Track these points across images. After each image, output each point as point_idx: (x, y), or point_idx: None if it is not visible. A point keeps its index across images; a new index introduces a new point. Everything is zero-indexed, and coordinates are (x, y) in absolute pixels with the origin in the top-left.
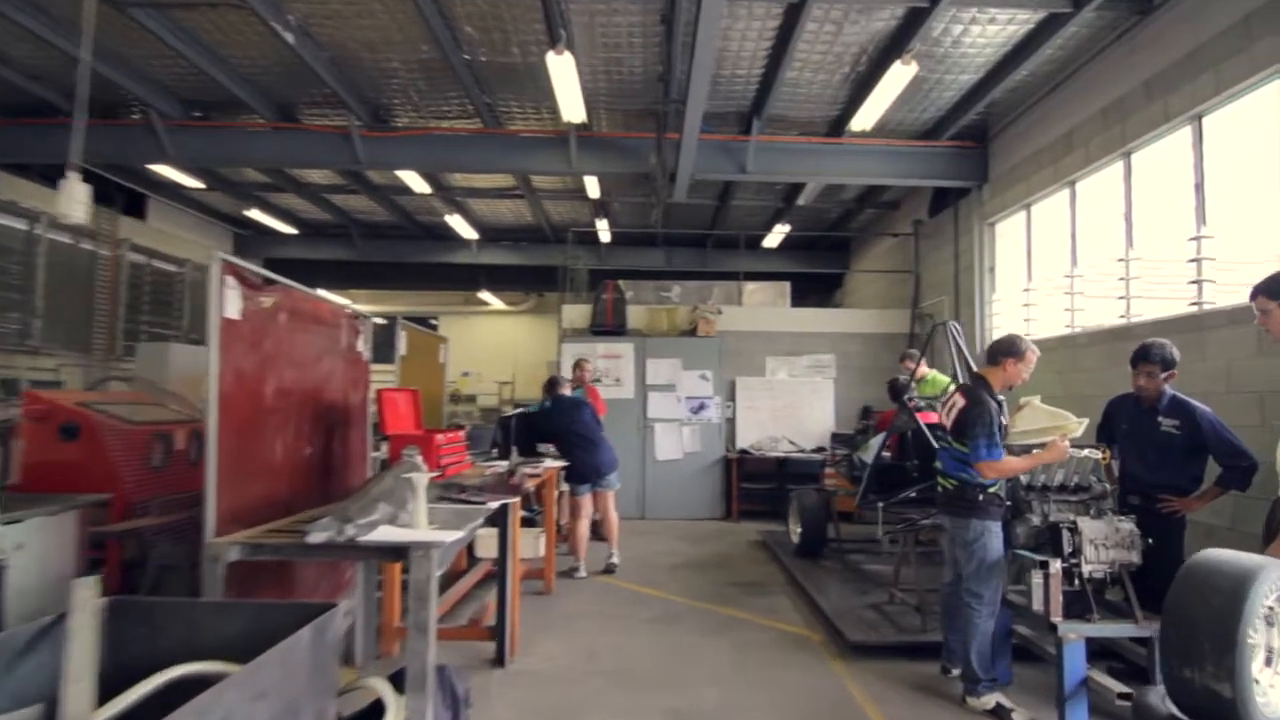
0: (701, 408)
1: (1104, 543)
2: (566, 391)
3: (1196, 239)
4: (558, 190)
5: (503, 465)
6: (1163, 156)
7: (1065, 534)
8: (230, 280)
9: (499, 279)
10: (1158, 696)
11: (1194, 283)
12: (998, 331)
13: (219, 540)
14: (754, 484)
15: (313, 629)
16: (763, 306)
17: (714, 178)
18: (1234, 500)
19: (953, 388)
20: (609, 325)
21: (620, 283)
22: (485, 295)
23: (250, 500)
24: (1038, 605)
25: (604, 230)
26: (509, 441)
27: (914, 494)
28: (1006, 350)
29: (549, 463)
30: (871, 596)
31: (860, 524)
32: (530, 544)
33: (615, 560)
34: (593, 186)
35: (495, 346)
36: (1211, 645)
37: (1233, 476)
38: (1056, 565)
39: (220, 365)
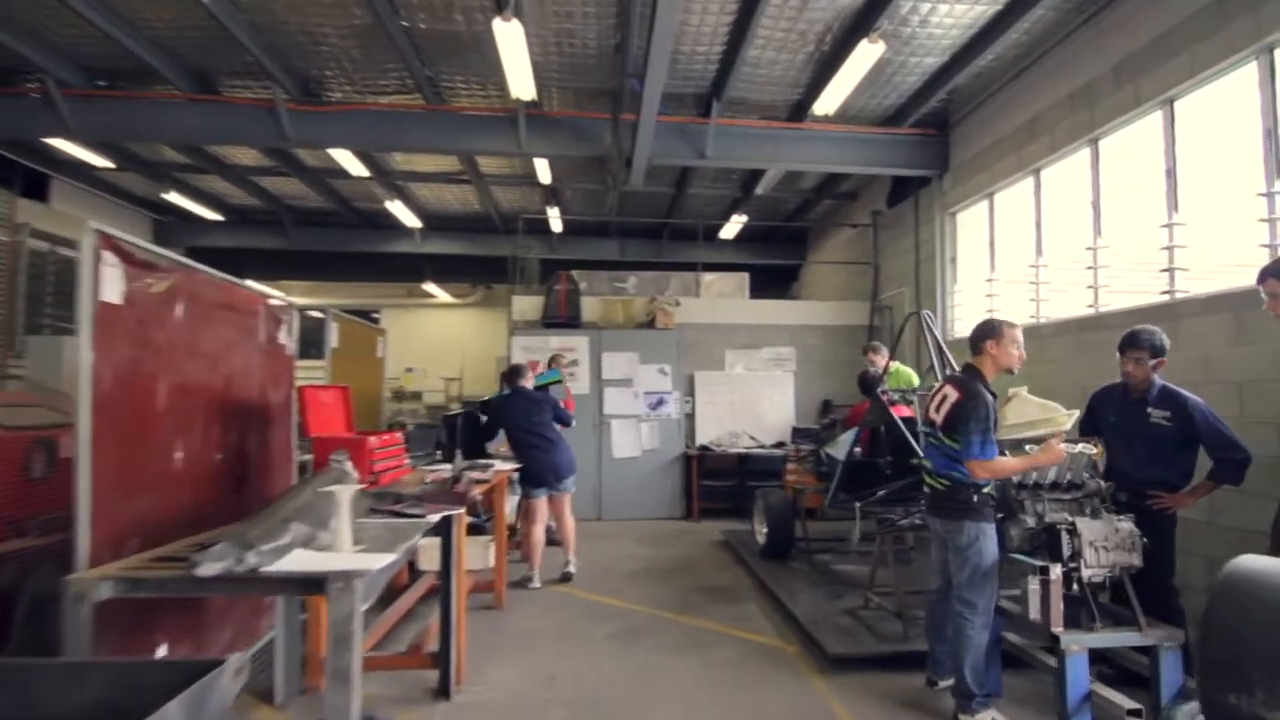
0: (660, 403)
1: (1104, 545)
2: (528, 384)
3: (1169, 226)
4: (506, 175)
5: (447, 469)
6: (1132, 142)
7: (1064, 536)
8: (109, 257)
9: (445, 270)
10: (1186, 717)
11: (1166, 271)
12: (960, 323)
13: (87, 575)
14: (715, 481)
15: (186, 701)
16: (721, 298)
17: (672, 163)
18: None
19: (940, 380)
20: (562, 317)
21: (574, 273)
22: (430, 287)
23: (141, 517)
24: (1034, 614)
25: (555, 219)
26: (454, 443)
27: (885, 492)
28: (982, 334)
29: (499, 465)
30: (846, 601)
31: (826, 521)
32: (478, 554)
33: (572, 568)
34: (544, 171)
35: (441, 341)
36: (1262, 670)
37: (1226, 470)
38: (1057, 571)
39: (95, 359)
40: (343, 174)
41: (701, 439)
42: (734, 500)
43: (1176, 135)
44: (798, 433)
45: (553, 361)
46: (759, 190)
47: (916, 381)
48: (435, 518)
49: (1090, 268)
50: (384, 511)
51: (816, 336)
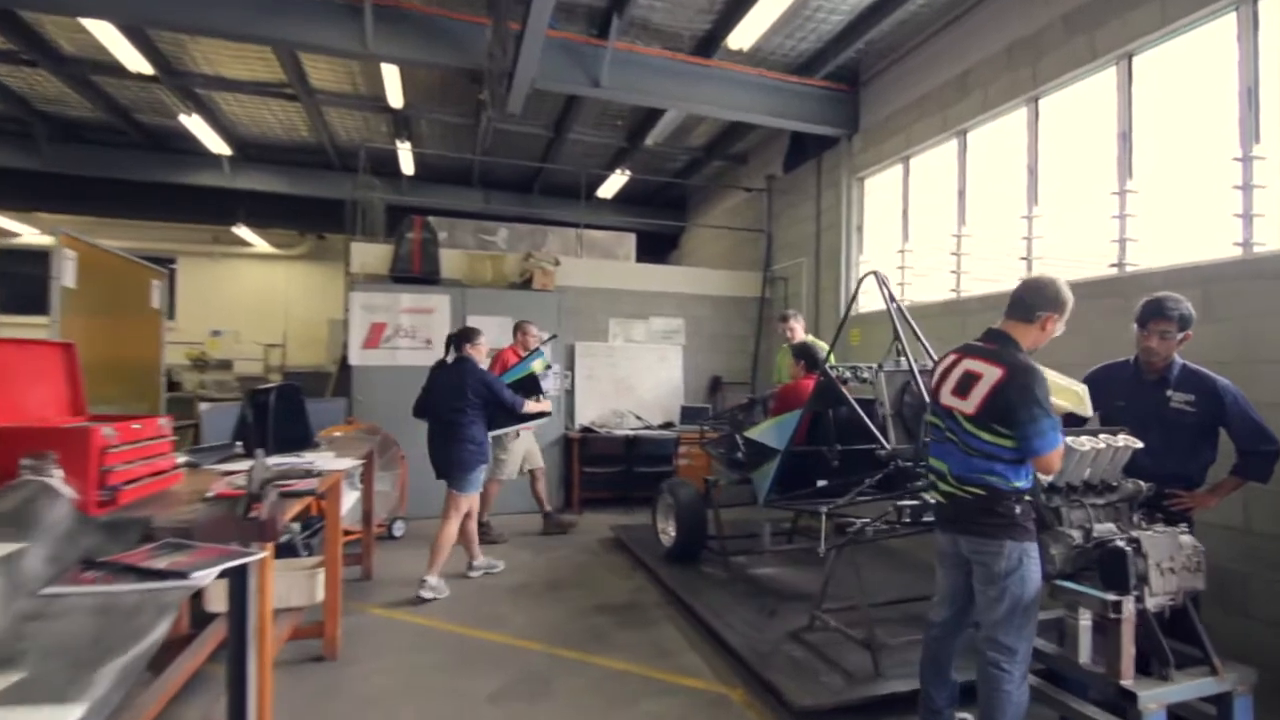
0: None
1: (1169, 565)
2: (478, 353)
3: (1120, 193)
4: (345, 94)
5: (247, 471)
6: (1078, 102)
7: (1128, 555)
8: None
9: (264, 212)
10: None
11: (1116, 242)
12: (865, 297)
13: None
14: (598, 468)
15: None
16: (606, 260)
17: (559, 89)
18: (1245, 493)
19: (953, 354)
20: (416, 271)
21: (431, 219)
22: (245, 233)
23: None
24: (1084, 657)
25: (407, 156)
26: (263, 431)
27: (824, 485)
28: (1044, 301)
29: (329, 462)
30: (785, 621)
31: (729, 510)
32: (299, 587)
33: (427, 590)
34: (395, 91)
35: (260, 299)
36: None
37: (1255, 464)
38: (1129, 606)
39: None
40: (116, 69)
41: (582, 419)
42: (621, 488)
43: (1134, 94)
44: (688, 412)
45: (518, 331)
46: (650, 141)
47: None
48: (207, 576)
49: (1025, 238)
50: (109, 568)
51: (707, 307)
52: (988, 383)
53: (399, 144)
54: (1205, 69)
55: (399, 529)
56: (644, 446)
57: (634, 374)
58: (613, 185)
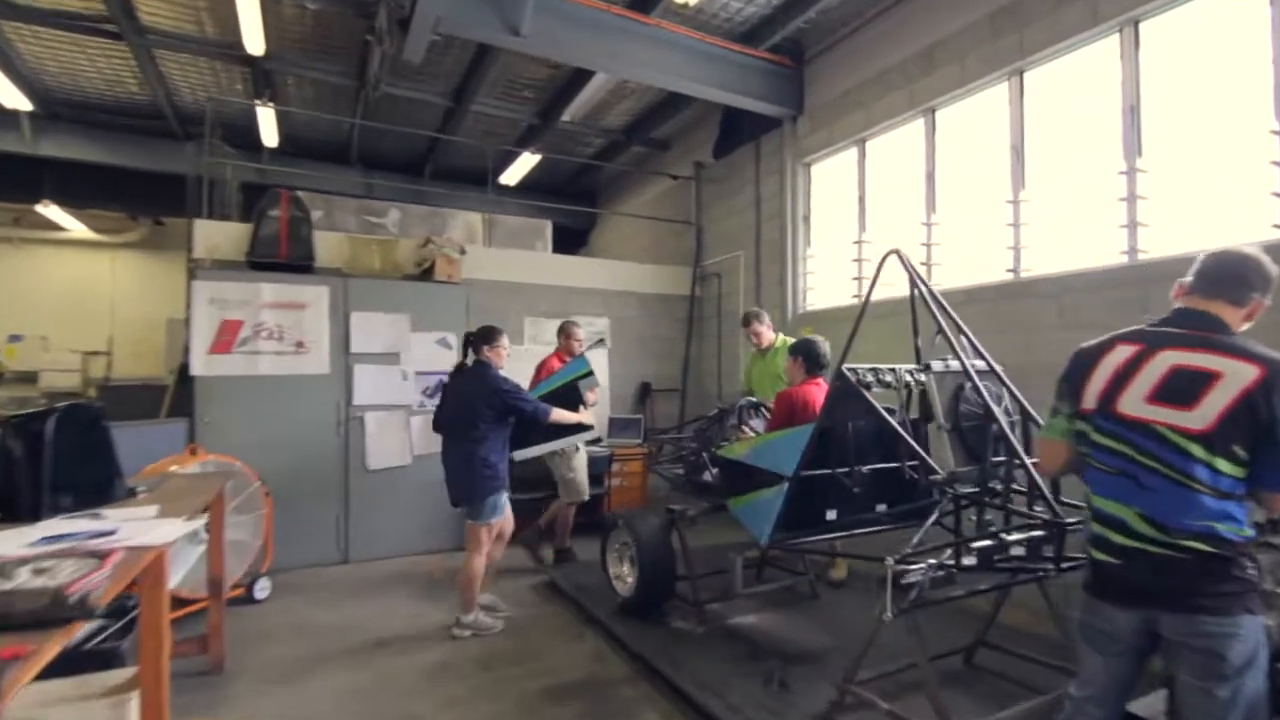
0: (440, 388)
1: None
2: (498, 357)
3: (1127, 173)
4: (189, 36)
5: (10, 541)
6: (1066, 75)
7: None
8: None
9: (80, 188)
10: None
11: (1125, 227)
12: (813, 294)
13: None
14: (520, 494)
15: None
16: (520, 251)
17: (471, 35)
18: None
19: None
20: (283, 257)
21: (302, 194)
22: (55, 213)
23: None
24: None
25: (270, 121)
26: (37, 481)
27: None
28: (1266, 280)
29: (142, 530)
30: (802, 694)
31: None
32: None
33: (462, 628)
34: (253, 33)
35: (78, 297)
36: None
37: None
38: None
39: None
40: None
41: None
42: (541, 515)
43: (1140, 65)
44: (617, 424)
45: (562, 334)
46: (568, 116)
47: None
48: None
49: (1011, 225)
50: None
51: (633, 306)
52: (1234, 386)
53: (259, 105)
54: (1234, 36)
55: (262, 589)
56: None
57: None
58: (519, 170)
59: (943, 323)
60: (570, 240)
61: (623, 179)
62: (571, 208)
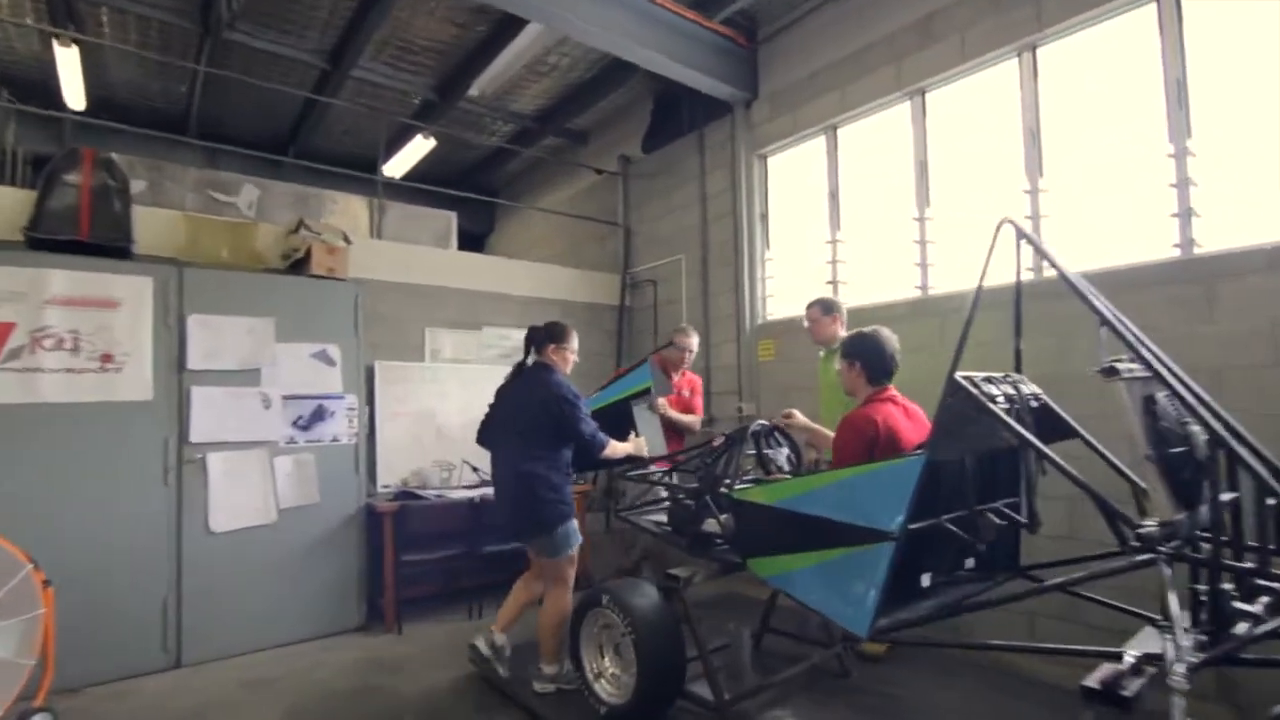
0: (319, 416)
1: None
2: (563, 364)
3: (1177, 155)
4: None
5: None
6: (1084, 52)
7: None
8: None
9: None
10: None
11: (1176, 216)
12: (772, 302)
13: None
14: (423, 553)
15: None
16: (418, 247)
17: None
18: None
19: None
20: (84, 235)
21: (116, 157)
22: None
23: None
24: None
25: (72, 75)
26: None
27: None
28: None
29: None
30: None
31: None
32: None
33: (543, 682)
34: None
35: None
36: None
37: None
38: None
39: None
40: None
41: (387, 478)
42: (457, 579)
43: (1185, 35)
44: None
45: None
46: (476, 90)
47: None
48: None
49: (1029, 217)
50: None
51: (555, 316)
52: None
53: (59, 48)
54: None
55: None
56: (494, 513)
57: (463, 407)
58: (409, 158)
59: (1104, 313)
60: (466, 246)
61: (531, 175)
62: (470, 196)
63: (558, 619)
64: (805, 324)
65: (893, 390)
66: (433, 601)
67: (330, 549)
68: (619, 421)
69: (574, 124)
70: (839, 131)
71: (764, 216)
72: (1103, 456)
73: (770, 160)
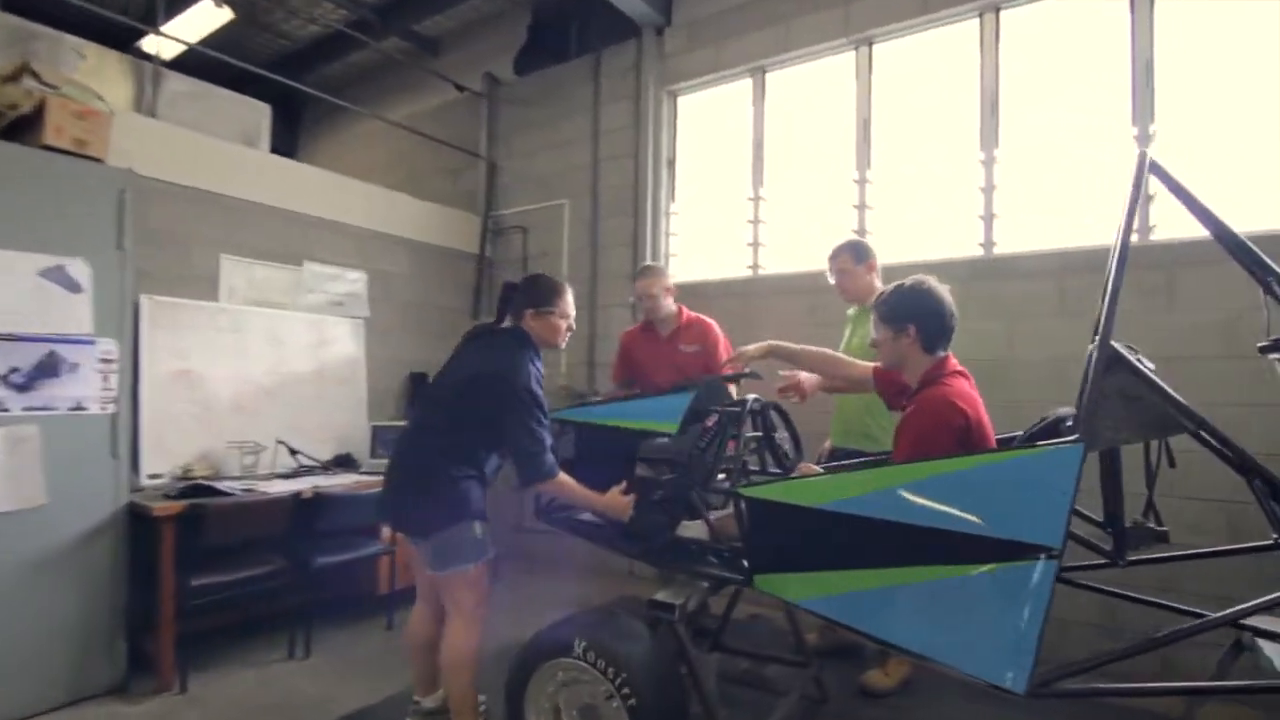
0: (49, 371)
1: None
2: (547, 335)
3: (1140, 139)
4: None
5: None
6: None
7: None
8: None
9: None
10: None
11: (1146, 198)
12: (677, 262)
13: None
14: (225, 572)
15: None
16: (213, 139)
17: None
18: None
19: None
20: None
21: None
22: None
23: None
24: None
25: None
26: None
27: None
28: None
29: None
30: None
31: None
32: None
33: None
34: None
35: None
36: None
37: None
38: None
39: None
40: None
41: (159, 463)
42: (277, 599)
43: (1155, 18)
44: (382, 434)
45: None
46: None
47: None
48: None
49: (983, 189)
50: None
51: (402, 259)
52: None
53: None
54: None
55: None
56: (331, 513)
57: (273, 367)
58: (193, 28)
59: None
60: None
61: (362, 85)
62: (271, 79)
63: (466, 664)
64: (830, 278)
65: (956, 362)
66: (235, 636)
67: (65, 574)
68: (607, 459)
69: (423, 27)
70: (768, 75)
71: (671, 163)
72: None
73: (682, 99)
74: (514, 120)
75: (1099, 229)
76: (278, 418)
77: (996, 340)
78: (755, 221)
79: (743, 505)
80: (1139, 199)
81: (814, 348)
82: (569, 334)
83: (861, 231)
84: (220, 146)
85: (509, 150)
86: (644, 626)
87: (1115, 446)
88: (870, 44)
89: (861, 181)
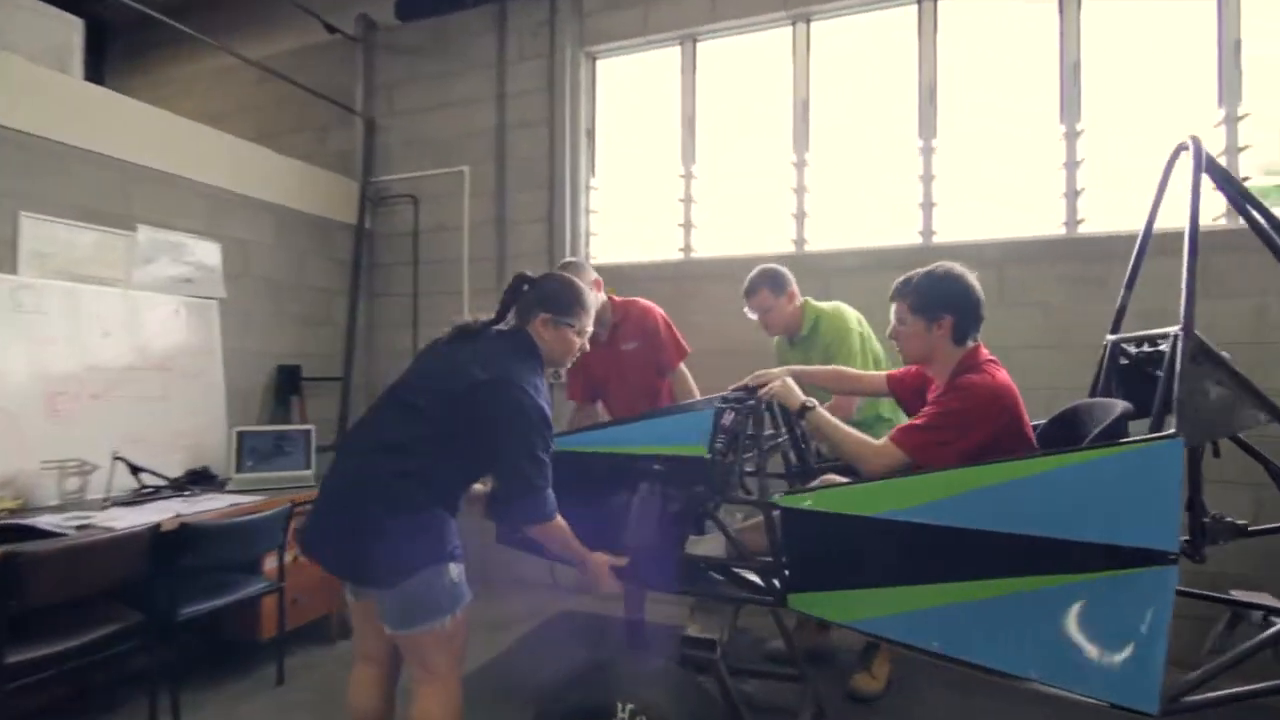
0: None
1: None
2: (559, 346)
3: (1069, 136)
4: None
5: None
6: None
7: None
8: None
9: None
10: None
11: (1066, 196)
12: (600, 242)
13: None
14: (52, 643)
15: None
16: (6, 54)
17: None
18: None
19: None
20: None
21: None
22: None
23: None
24: None
25: None
26: None
27: None
28: None
29: None
30: None
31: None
32: None
33: None
34: None
35: None
36: None
37: None
38: None
39: None
40: None
41: None
42: (130, 660)
43: (1082, 21)
44: (254, 447)
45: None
46: None
47: (881, 354)
48: None
49: (922, 178)
50: None
51: (266, 227)
52: None
53: None
54: None
55: None
56: (202, 548)
57: (96, 365)
58: None
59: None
60: None
61: (203, 11)
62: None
63: None
64: (751, 315)
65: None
66: (72, 715)
67: None
68: (599, 494)
69: None
70: (700, 45)
71: (590, 133)
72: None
73: (603, 63)
74: (397, 72)
75: (1034, 220)
76: (109, 427)
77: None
78: (687, 201)
79: (777, 517)
80: (1199, 185)
81: (824, 367)
82: (577, 352)
83: (800, 215)
84: (19, 66)
85: (391, 107)
86: (688, 673)
87: (1212, 440)
88: (809, 21)
89: (800, 164)
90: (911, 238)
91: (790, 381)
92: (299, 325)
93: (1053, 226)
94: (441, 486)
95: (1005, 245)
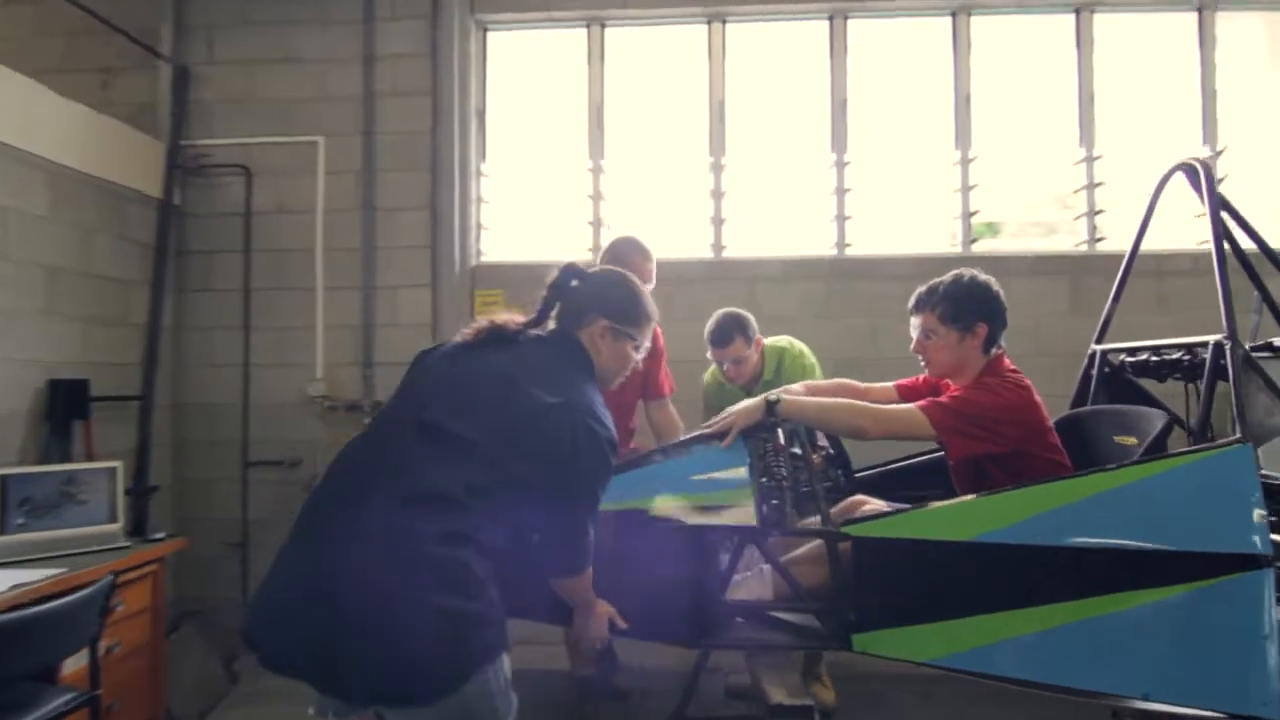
0: None
1: None
2: (616, 357)
3: (962, 162)
4: None
5: None
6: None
7: None
8: None
9: None
10: None
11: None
12: (491, 238)
13: None
14: None
15: None
16: None
17: None
18: None
19: None
20: None
21: None
22: None
23: None
24: None
25: None
26: None
27: None
28: None
29: None
30: None
31: None
32: None
33: None
34: None
35: None
36: None
37: None
38: None
39: None
40: None
41: None
42: None
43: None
44: (14, 491)
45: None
46: None
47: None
48: None
49: (835, 192)
50: None
51: (36, 194)
52: None
53: None
54: None
55: None
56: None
57: None
58: None
59: None
60: None
61: None
62: None
63: None
64: (722, 365)
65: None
66: None
67: None
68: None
69: None
70: (608, 30)
71: (481, 113)
72: None
73: (496, 36)
74: (222, 11)
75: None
76: None
77: (860, 336)
78: (596, 197)
79: (838, 548)
80: (1217, 206)
81: (826, 381)
82: (635, 362)
83: (717, 219)
84: None
85: (212, 54)
86: None
87: (1270, 440)
88: (724, 21)
89: (716, 167)
90: (827, 249)
91: (750, 401)
92: (83, 327)
93: (950, 245)
94: (497, 553)
95: (918, 261)
